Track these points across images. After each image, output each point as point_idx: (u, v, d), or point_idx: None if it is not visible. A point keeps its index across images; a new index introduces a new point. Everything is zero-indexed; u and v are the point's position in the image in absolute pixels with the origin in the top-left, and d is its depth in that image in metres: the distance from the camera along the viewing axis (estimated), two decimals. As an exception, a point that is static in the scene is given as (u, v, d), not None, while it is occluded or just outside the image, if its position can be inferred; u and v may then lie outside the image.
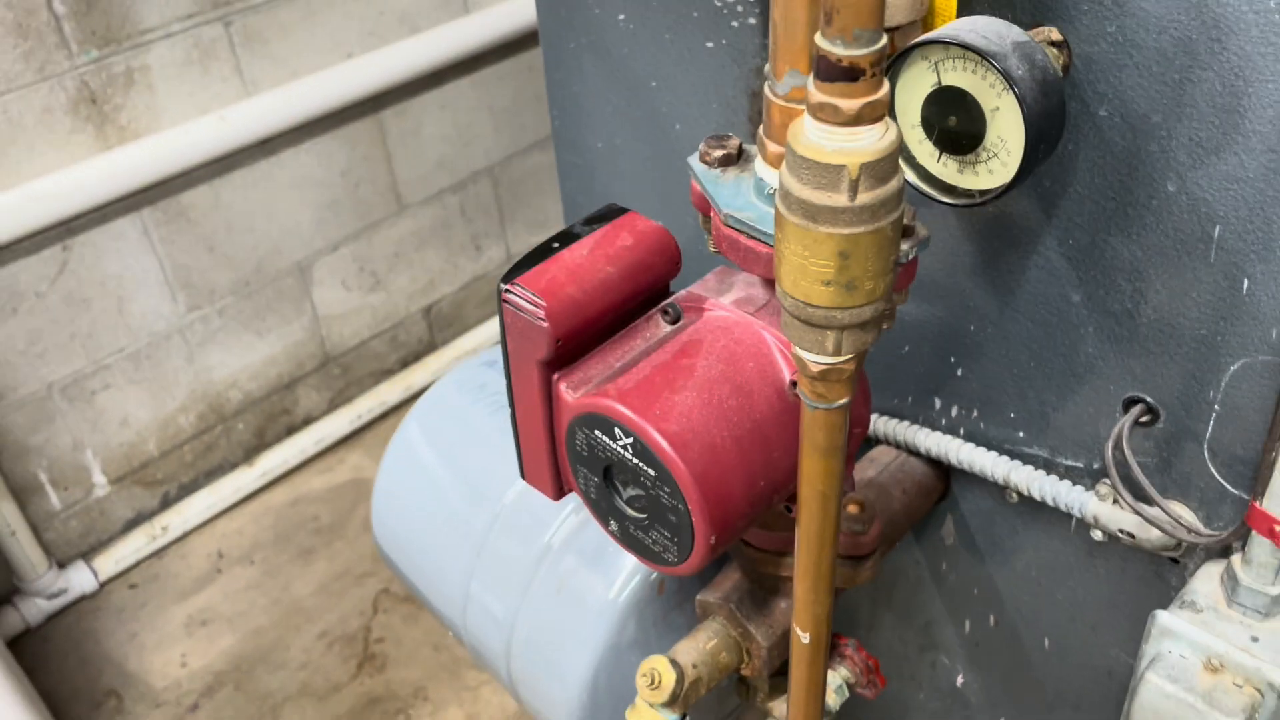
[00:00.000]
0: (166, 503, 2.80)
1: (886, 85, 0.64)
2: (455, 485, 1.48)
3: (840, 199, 0.67)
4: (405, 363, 3.17)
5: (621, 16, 1.31)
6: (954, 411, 1.27)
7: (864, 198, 0.67)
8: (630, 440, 0.89)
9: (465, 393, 1.50)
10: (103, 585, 2.64)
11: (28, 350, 2.40)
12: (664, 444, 0.87)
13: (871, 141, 0.66)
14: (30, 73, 2.20)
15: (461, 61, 2.85)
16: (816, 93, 0.65)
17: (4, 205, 2.22)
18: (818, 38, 0.63)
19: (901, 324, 1.25)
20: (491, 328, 3.25)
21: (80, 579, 2.60)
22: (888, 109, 0.66)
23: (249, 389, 2.85)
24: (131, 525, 2.74)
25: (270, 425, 2.94)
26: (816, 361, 0.76)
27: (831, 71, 0.63)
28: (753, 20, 1.19)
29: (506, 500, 1.39)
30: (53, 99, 2.25)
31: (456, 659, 2.44)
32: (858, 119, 0.65)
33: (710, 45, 1.24)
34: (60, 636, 2.55)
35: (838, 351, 0.75)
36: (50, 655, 2.50)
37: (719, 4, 1.20)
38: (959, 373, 1.24)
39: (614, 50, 1.35)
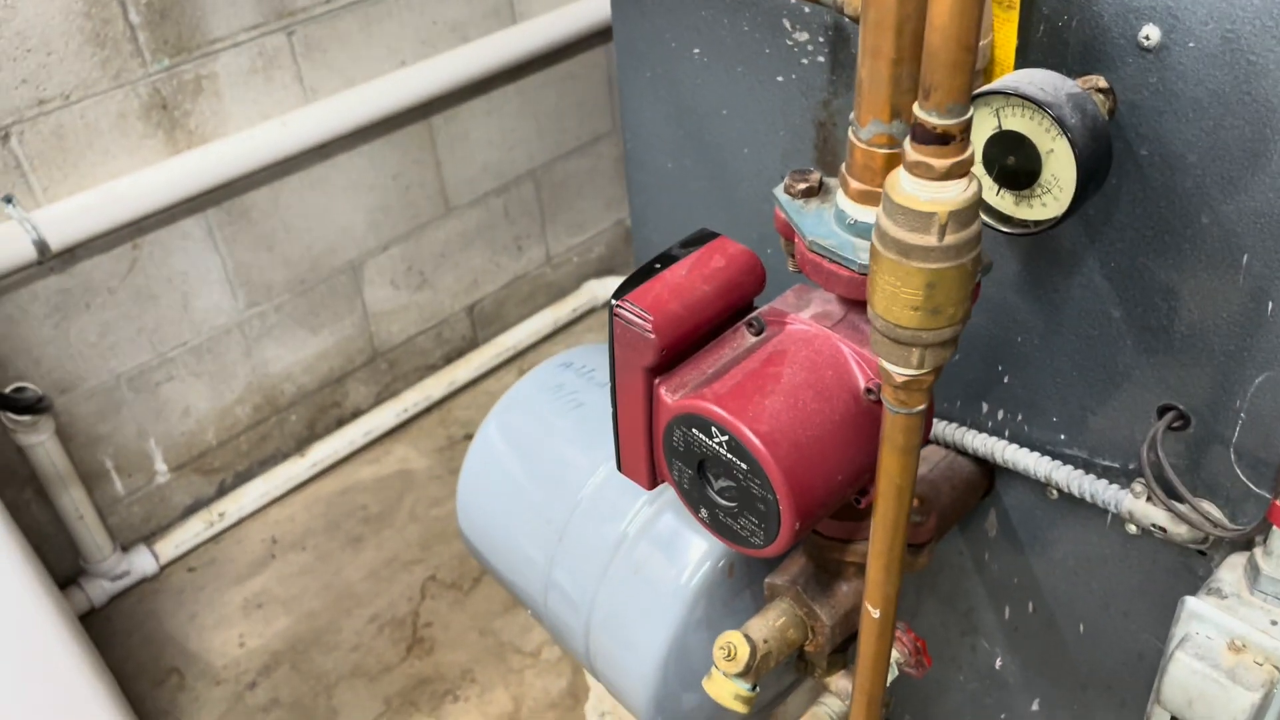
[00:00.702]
0: (223, 490, 2.84)
1: (971, 147, 0.76)
2: (536, 480, 1.53)
3: (930, 240, 0.78)
4: (449, 358, 3.21)
5: (696, 50, 1.38)
6: (1000, 415, 1.33)
7: (950, 239, 0.78)
8: (726, 438, 0.99)
9: (543, 393, 1.56)
10: (163, 568, 2.68)
11: (99, 343, 2.46)
12: (758, 442, 0.97)
13: (958, 193, 0.77)
14: (107, 80, 2.26)
15: (508, 69, 2.89)
16: (912, 152, 0.76)
17: (81, 206, 2.28)
18: (916, 108, 0.74)
19: (954, 335, 1.33)
20: (531, 325, 3.28)
21: (142, 562, 2.65)
22: (971, 166, 0.77)
23: (302, 382, 2.90)
24: (190, 511, 2.79)
25: (321, 417, 2.99)
26: (901, 373, 0.86)
27: (927, 136, 0.74)
28: (821, 59, 1.26)
29: (585, 492, 1.46)
30: (127, 105, 2.31)
31: (501, 643, 2.48)
32: (947, 175, 0.76)
33: (780, 79, 1.31)
34: (123, 617, 2.59)
35: (921, 365, 0.85)
36: (114, 634, 2.55)
37: (789, 43, 1.28)
38: (1005, 380, 1.30)
39: (687, 80, 1.42)
